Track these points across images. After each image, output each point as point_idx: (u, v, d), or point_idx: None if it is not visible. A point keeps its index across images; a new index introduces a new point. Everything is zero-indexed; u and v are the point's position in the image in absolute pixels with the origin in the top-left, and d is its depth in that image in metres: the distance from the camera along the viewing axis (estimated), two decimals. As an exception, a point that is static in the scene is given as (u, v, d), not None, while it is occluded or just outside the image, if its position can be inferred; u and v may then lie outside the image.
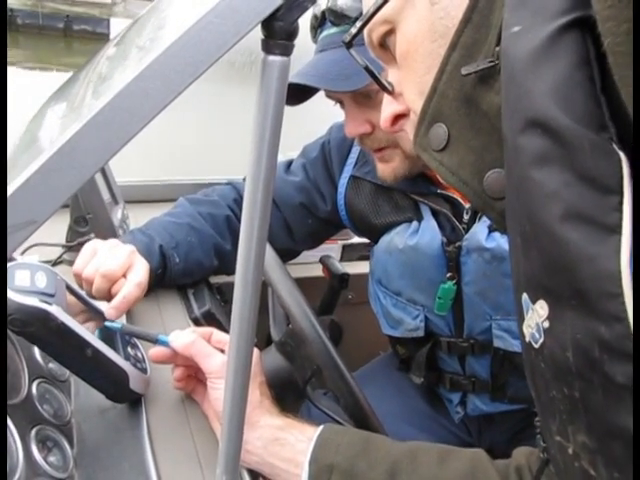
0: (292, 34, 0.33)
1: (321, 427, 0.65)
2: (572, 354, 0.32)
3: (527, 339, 0.37)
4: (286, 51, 0.32)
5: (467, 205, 0.88)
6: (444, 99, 0.43)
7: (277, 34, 0.32)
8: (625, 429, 0.30)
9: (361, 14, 0.77)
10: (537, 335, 0.35)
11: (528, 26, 0.33)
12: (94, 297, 0.82)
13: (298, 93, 0.89)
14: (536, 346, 0.35)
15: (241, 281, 0.40)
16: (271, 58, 0.32)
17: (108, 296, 0.82)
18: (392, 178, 0.91)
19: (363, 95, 0.83)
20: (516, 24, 0.34)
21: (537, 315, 0.35)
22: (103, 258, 0.83)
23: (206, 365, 0.66)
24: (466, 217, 0.88)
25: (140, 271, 0.85)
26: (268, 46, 0.32)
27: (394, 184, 0.92)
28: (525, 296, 0.36)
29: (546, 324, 0.34)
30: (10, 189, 0.32)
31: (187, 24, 0.30)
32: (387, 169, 0.91)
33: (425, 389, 1.09)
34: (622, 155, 0.29)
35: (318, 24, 0.87)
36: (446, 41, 0.42)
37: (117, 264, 0.83)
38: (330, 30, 0.85)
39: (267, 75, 0.32)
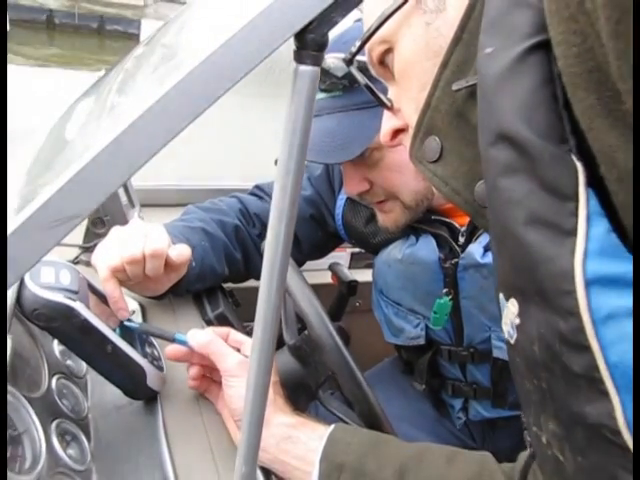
0: (322, 46, 0.35)
1: (332, 426, 0.66)
2: (538, 347, 0.35)
3: (506, 336, 0.39)
4: (317, 61, 0.35)
5: (463, 228, 0.91)
6: (437, 113, 0.46)
7: (309, 45, 0.34)
8: (582, 415, 0.33)
9: (347, 75, 0.80)
10: (512, 331, 0.38)
11: (499, 48, 0.36)
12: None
13: None
14: (512, 342, 0.38)
15: (266, 284, 0.41)
16: (302, 68, 0.34)
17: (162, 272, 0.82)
18: (394, 227, 0.94)
19: (358, 155, 0.85)
20: (489, 45, 0.37)
21: (510, 313, 0.37)
22: (146, 238, 0.81)
23: (222, 364, 0.68)
24: (462, 239, 0.90)
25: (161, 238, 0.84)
26: (300, 56, 0.34)
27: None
28: (501, 295, 0.39)
29: (517, 321, 0.37)
30: (55, 186, 0.34)
31: (227, 34, 0.32)
32: (388, 219, 0.94)
33: (429, 394, 1.10)
34: (579, 165, 0.31)
35: None
36: (440, 59, 0.45)
37: (162, 240, 0.82)
38: (320, 95, 0.87)
39: (299, 83, 0.34)
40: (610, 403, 0.31)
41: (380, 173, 0.88)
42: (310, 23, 0.34)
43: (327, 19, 0.34)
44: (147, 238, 0.81)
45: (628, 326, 0.30)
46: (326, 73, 0.83)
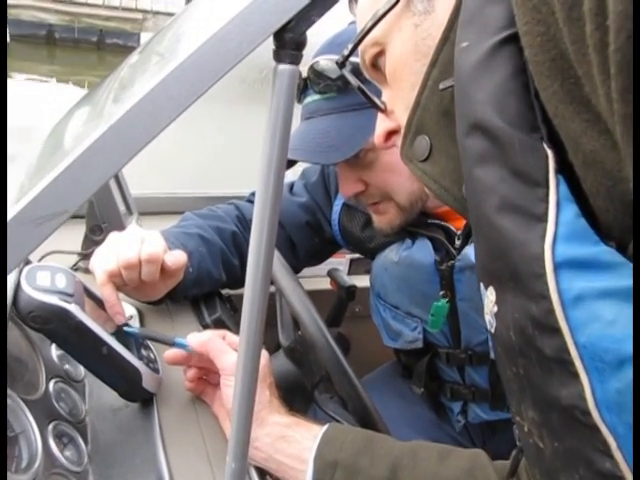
0: (301, 45, 0.36)
1: (326, 425, 0.67)
2: (514, 333, 0.35)
3: (488, 327, 0.40)
4: (295, 60, 0.36)
5: (459, 231, 0.91)
6: (426, 112, 0.47)
7: (287, 45, 0.35)
8: (556, 399, 0.33)
9: (341, 76, 0.81)
10: (492, 320, 0.38)
11: (474, 41, 0.37)
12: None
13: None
14: (492, 331, 0.39)
15: (251, 280, 0.42)
16: (282, 67, 0.35)
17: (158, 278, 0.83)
18: (389, 229, 0.94)
19: (353, 156, 0.86)
20: (464, 40, 0.38)
21: (489, 301, 0.38)
22: (143, 243, 0.82)
23: (221, 362, 0.68)
24: (458, 242, 0.91)
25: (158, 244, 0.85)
26: (279, 56, 0.35)
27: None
28: (482, 285, 0.40)
29: (495, 308, 0.37)
30: (44, 182, 0.35)
31: (207, 34, 0.33)
32: (383, 220, 0.94)
33: (428, 397, 1.10)
34: (549, 152, 0.32)
35: (301, 91, 0.90)
36: (429, 59, 0.46)
37: (158, 245, 0.83)
38: (314, 97, 0.88)
39: (278, 82, 0.35)
40: (580, 384, 0.31)
41: (375, 174, 0.89)
42: (288, 22, 0.34)
43: (305, 18, 0.35)
44: (143, 243, 0.82)
45: (597, 307, 0.30)
46: (319, 75, 0.84)
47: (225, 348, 0.70)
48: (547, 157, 0.32)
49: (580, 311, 0.31)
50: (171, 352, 0.73)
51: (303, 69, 0.86)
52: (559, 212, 0.32)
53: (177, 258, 0.85)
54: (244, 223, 1.11)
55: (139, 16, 15.31)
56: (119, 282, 0.80)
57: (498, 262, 0.36)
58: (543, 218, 0.32)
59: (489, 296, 0.38)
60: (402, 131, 0.52)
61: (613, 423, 0.31)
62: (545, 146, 0.32)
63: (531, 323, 0.33)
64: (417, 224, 0.94)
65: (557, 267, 0.31)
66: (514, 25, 0.34)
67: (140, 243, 0.82)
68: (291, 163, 0.94)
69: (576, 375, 0.31)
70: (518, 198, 0.33)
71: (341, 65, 0.62)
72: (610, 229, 0.32)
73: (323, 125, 0.87)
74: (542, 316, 0.32)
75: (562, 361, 0.32)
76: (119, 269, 0.79)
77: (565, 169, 0.32)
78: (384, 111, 0.57)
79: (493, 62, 0.35)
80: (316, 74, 0.85)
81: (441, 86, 0.44)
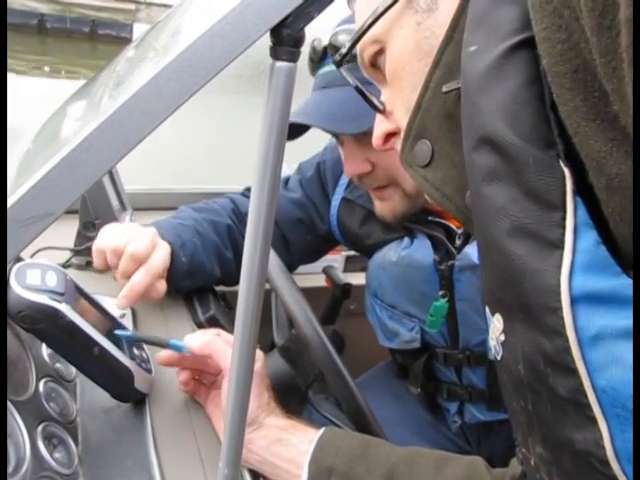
0: (299, 41, 0.35)
1: (322, 429, 0.66)
2: (522, 367, 0.32)
3: (493, 352, 0.37)
4: (293, 57, 0.34)
5: (460, 230, 0.90)
6: (428, 116, 0.44)
7: (285, 41, 0.34)
8: (570, 441, 0.30)
9: None
10: (498, 348, 0.36)
11: (483, 46, 0.34)
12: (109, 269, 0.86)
13: (292, 128, 0.87)
14: (498, 358, 0.36)
15: (246, 279, 0.41)
16: (279, 64, 0.34)
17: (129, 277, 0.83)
18: (391, 217, 0.92)
19: (364, 134, 0.82)
20: (473, 44, 0.35)
21: (496, 328, 0.35)
22: (131, 235, 0.83)
23: (226, 362, 0.67)
24: (458, 242, 0.89)
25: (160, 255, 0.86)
26: (276, 52, 0.34)
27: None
28: (487, 310, 0.37)
29: (502, 337, 0.35)
30: (30, 183, 0.33)
31: (201, 30, 0.32)
32: (386, 208, 0.92)
33: (424, 397, 1.10)
34: (566, 171, 0.29)
35: (318, 59, 0.88)
36: (431, 59, 0.43)
37: (144, 245, 0.83)
38: (332, 67, 0.86)
39: (275, 80, 0.34)
40: (598, 431, 0.29)
41: (384, 155, 0.85)
42: (286, 18, 0.33)
43: (303, 14, 0.34)
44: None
45: (618, 349, 0.27)
46: (338, 49, 0.82)
47: (227, 348, 0.68)
48: (564, 177, 0.29)
49: (599, 352, 0.28)
50: (164, 353, 0.71)
51: (324, 37, 0.84)
52: (577, 239, 0.29)
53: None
54: (239, 216, 1.09)
55: (132, 7, 15.20)
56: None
57: (507, 290, 0.33)
58: (559, 245, 0.29)
59: (495, 323, 0.35)
60: (402, 134, 0.50)
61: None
62: (562, 164, 0.29)
63: (543, 359, 0.30)
64: (417, 221, 0.93)
65: (574, 301, 0.28)
66: (529, 28, 0.31)
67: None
68: (300, 131, 0.92)
69: (593, 420, 0.29)
70: (531, 221, 0.30)
71: (338, 64, 0.60)
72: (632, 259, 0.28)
73: (340, 95, 0.84)
74: (556, 354, 0.29)
75: (578, 403, 0.29)
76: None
77: (583, 190, 0.29)
78: (383, 112, 0.55)
79: (504, 69, 0.32)
80: (334, 49, 0.82)
81: (444, 89, 0.42)
